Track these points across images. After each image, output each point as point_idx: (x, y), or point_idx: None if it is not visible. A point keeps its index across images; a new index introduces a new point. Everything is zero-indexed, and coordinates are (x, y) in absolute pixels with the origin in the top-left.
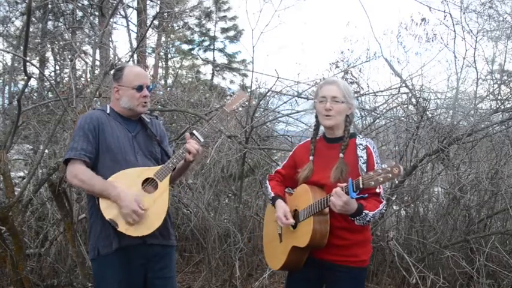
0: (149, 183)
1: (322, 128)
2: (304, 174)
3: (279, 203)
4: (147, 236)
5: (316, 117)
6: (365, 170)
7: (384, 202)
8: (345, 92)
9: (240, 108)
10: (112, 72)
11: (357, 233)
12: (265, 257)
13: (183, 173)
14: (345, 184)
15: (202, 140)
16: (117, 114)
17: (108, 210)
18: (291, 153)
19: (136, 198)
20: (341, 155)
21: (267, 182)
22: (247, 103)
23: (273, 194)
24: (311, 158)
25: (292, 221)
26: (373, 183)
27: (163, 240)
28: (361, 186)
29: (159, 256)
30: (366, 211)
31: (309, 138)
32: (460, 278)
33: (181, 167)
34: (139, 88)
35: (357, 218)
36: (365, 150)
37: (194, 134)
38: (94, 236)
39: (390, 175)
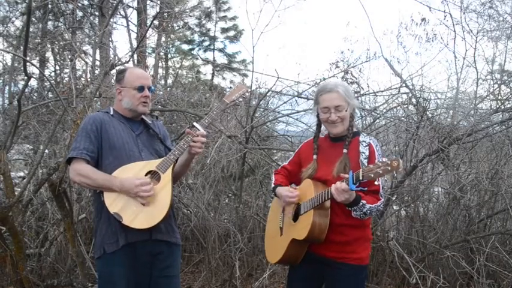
0: (152, 176)
1: (324, 128)
2: (308, 173)
3: (280, 188)
4: (153, 231)
5: (318, 116)
6: (366, 165)
7: (383, 200)
8: (346, 97)
9: (241, 99)
10: (114, 74)
11: (357, 229)
12: (266, 251)
13: (187, 168)
14: (346, 175)
15: (202, 130)
16: (120, 116)
17: (113, 206)
18: (296, 149)
19: (134, 177)
20: (345, 150)
21: (273, 175)
22: (247, 94)
23: (273, 185)
24: (314, 156)
25: (297, 192)
26: (372, 175)
27: (168, 236)
28: (360, 178)
29: (164, 254)
30: (364, 201)
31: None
32: (460, 278)
33: (185, 161)
34: (141, 89)
35: (355, 208)
36: (367, 147)
37: (194, 126)
38: (100, 234)
39: (389, 168)
